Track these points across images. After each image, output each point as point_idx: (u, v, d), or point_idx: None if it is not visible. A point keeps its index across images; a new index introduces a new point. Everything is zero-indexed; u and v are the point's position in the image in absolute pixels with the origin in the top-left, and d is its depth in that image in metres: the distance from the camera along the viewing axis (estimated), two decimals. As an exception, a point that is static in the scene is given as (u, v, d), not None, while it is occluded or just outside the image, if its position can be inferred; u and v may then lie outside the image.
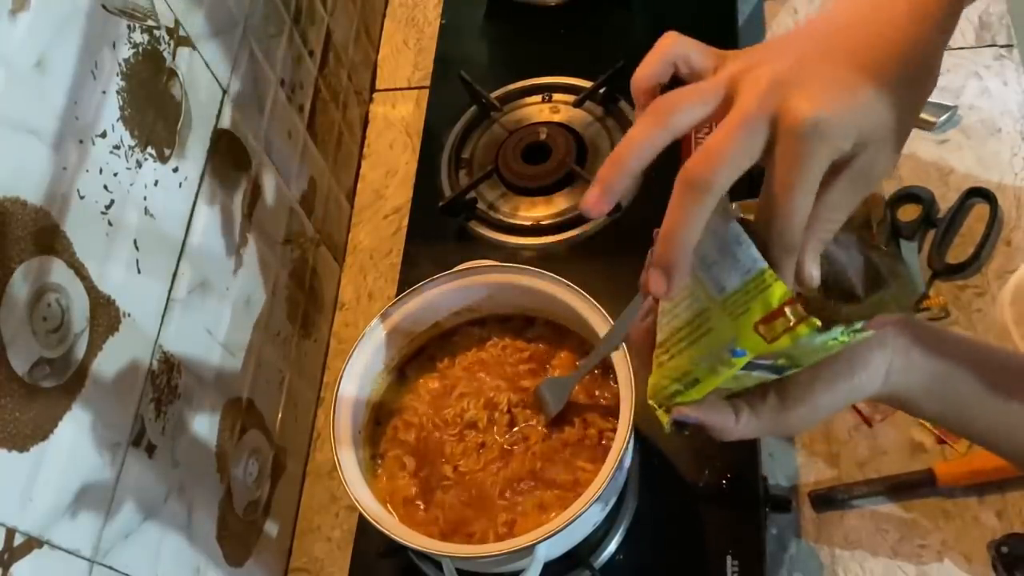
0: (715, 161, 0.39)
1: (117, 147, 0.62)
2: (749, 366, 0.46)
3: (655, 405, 0.49)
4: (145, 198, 0.64)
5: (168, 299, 0.67)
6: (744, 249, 0.43)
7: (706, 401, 0.48)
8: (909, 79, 0.40)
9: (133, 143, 0.63)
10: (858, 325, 0.45)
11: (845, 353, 0.45)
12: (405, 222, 0.93)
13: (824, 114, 0.37)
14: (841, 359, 0.46)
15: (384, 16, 1.16)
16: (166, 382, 0.66)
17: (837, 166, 0.39)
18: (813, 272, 0.43)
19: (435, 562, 0.71)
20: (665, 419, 0.49)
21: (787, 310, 0.43)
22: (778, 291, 0.43)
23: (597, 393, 0.71)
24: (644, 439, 0.75)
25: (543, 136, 0.92)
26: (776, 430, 0.48)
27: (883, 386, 0.47)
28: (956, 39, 0.94)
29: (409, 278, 0.72)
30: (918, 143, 0.90)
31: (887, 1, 0.41)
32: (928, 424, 0.76)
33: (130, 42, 0.63)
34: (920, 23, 0.40)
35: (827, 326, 0.43)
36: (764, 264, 0.43)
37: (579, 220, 0.88)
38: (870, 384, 0.47)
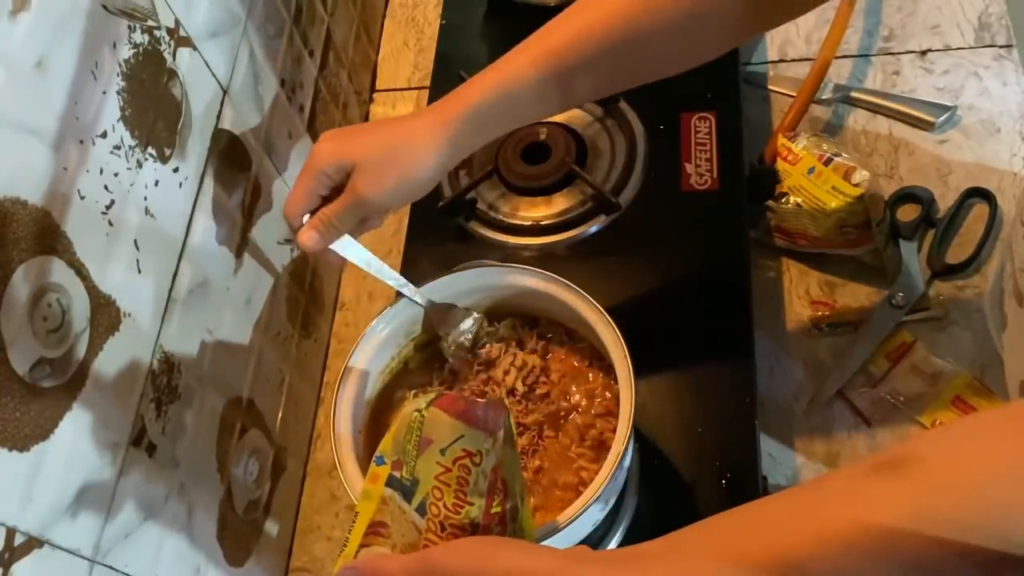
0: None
1: (117, 147, 0.62)
2: (391, 483, 0.50)
3: None
4: (146, 198, 0.64)
5: (168, 299, 0.67)
6: None
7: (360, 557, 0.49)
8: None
9: (133, 143, 0.63)
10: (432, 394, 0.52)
11: None
12: (405, 222, 0.93)
13: None
14: None
15: (384, 16, 1.16)
16: (166, 382, 0.66)
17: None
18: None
19: (435, 562, 0.71)
20: None
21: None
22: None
23: (597, 393, 0.71)
24: (644, 439, 0.75)
25: (543, 136, 0.92)
26: None
27: None
28: (955, 39, 0.94)
29: (409, 278, 0.72)
30: (918, 143, 0.90)
31: None
32: (926, 422, 0.76)
33: (130, 42, 0.63)
34: None
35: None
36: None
37: (579, 220, 0.88)
38: None
